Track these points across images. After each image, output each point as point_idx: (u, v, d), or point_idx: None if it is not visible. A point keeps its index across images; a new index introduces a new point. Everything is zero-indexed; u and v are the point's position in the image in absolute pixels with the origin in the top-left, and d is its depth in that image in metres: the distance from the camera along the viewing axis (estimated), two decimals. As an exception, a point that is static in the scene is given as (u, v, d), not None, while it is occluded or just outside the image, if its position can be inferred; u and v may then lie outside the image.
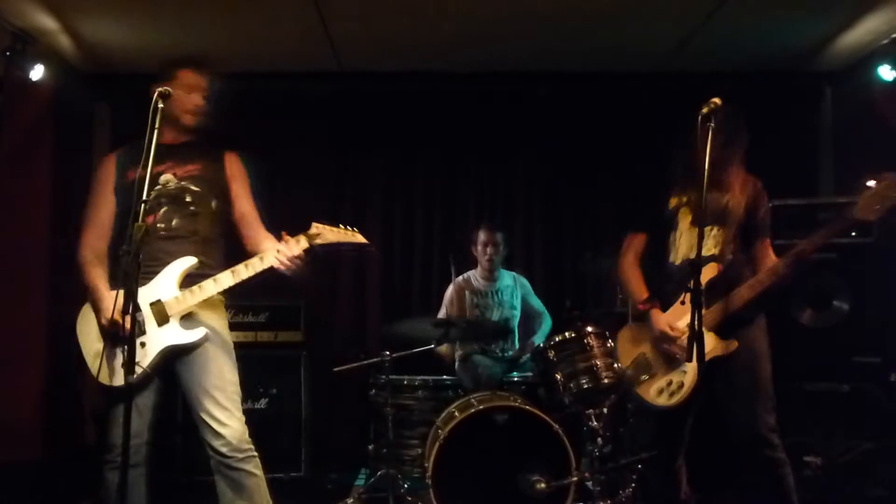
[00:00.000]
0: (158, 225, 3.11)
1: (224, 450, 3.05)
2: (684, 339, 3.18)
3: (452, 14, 4.66)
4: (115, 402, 3.01)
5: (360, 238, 3.08)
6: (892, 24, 4.69)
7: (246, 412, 4.92)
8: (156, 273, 3.08)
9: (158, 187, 3.11)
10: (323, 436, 5.32)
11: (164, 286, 3.07)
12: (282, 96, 5.77)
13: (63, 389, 5.28)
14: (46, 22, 4.65)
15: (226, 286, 3.06)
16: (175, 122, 3.18)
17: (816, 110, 5.83)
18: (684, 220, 3.45)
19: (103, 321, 3.03)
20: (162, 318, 3.04)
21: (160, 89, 2.87)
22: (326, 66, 5.51)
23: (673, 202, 3.51)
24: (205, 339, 3.06)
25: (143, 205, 2.68)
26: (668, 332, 3.36)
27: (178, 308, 3.04)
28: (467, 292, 5.11)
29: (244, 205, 3.30)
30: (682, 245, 3.44)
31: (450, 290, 5.18)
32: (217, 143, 3.34)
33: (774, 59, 5.35)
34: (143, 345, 2.99)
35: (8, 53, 4.65)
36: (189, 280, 3.09)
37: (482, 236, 5.13)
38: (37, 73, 4.83)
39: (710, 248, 3.36)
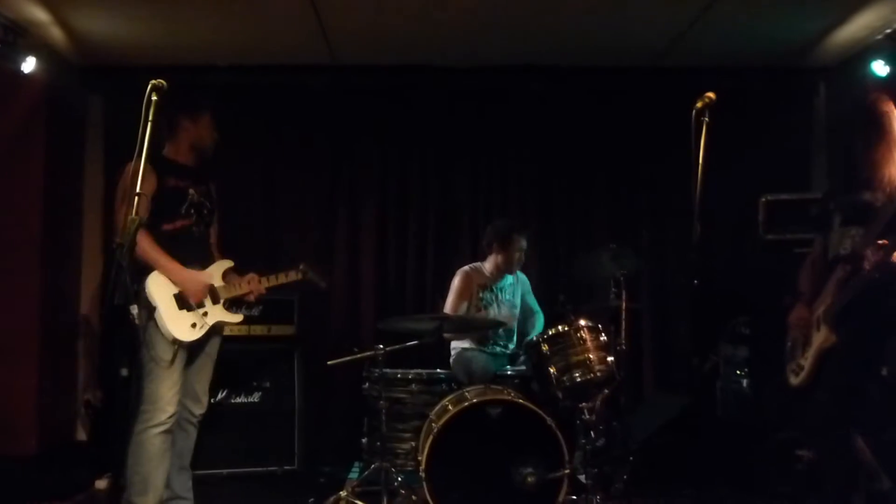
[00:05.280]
0: (193, 228, 3.82)
1: (199, 413, 3.89)
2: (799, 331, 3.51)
3: (446, 8, 4.66)
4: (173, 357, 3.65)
5: (324, 285, 4.20)
6: (885, 20, 4.69)
7: (239, 406, 5.07)
8: (191, 265, 3.75)
9: (190, 197, 3.81)
10: (316, 429, 5.32)
11: (214, 276, 3.85)
12: (275, 90, 5.75)
13: (58, 384, 5.30)
14: (38, 13, 4.63)
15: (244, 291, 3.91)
16: (199, 150, 3.89)
17: (810, 106, 5.84)
18: (835, 219, 3.49)
19: (191, 287, 3.72)
20: (215, 299, 3.81)
21: (154, 82, 2.88)
22: (320, 60, 5.51)
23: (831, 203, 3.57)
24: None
25: (136, 197, 2.77)
26: (791, 325, 3.57)
27: (226, 294, 3.85)
28: (476, 284, 5.07)
29: (216, 230, 4.07)
30: (831, 243, 3.48)
31: (457, 279, 5.11)
32: (210, 168, 4.00)
33: (768, 55, 5.36)
34: (205, 314, 3.74)
35: (-1, 45, 4.65)
36: (226, 275, 3.92)
37: (523, 243, 5.02)
38: (28, 65, 4.80)
39: (846, 248, 3.37)
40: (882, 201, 3.28)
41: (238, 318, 3.93)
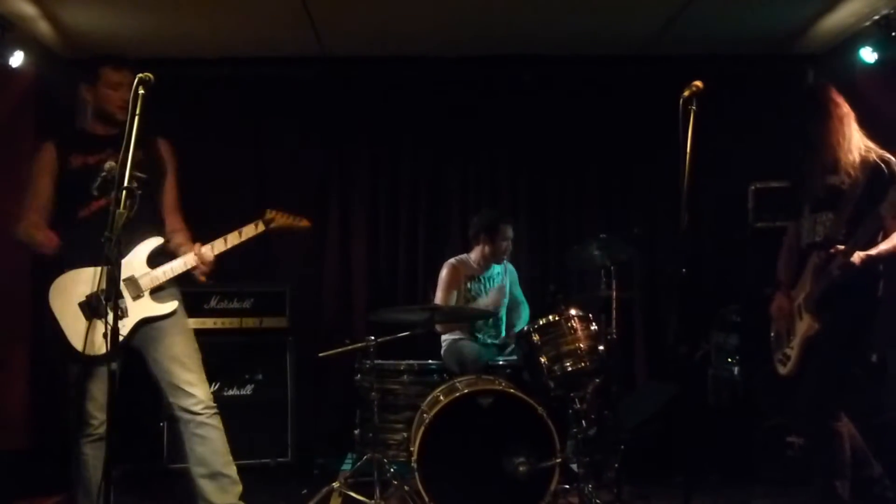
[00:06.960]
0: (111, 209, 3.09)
1: (197, 408, 3.42)
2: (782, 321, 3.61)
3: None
4: (89, 371, 3.26)
5: (304, 223, 3.65)
6: (873, 7, 4.69)
7: (232, 398, 5.04)
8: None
9: (104, 174, 3.34)
10: (309, 421, 5.32)
11: (134, 264, 3.36)
12: (264, 81, 5.75)
13: (49, 379, 5.28)
14: (25, 8, 4.61)
15: (180, 270, 3.43)
16: (107, 117, 3.41)
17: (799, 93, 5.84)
18: (805, 206, 3.58)
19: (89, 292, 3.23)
20: (136, 293, 3.35)
21: (140, 75, 2.86)
22: (310, 51, 5.48)
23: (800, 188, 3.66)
24: (175, 311, 3.42)
25: (123, 191, 2.74)
26: (773, 315, 3.67)
27: (150, 283, 3.37)
28: (463, 275, 5.08)
29: (172, 190, 3.60)
30: (804, 230, 3.58)
31: (444, 272, 5.13)
32: (148, 130, 3.25)
33: (757, 42, 5.37)
34: (122, 316, 3.20)
35: (-13, 40, 4.62)
36: (153, 258, 3.42)
37: (510, 233, 5.06)
38: (17, 59, 4.78)
39: (819, 234, 3.46)
40: (848, 184, 3.35)
41: (169, 307, 3.39)
